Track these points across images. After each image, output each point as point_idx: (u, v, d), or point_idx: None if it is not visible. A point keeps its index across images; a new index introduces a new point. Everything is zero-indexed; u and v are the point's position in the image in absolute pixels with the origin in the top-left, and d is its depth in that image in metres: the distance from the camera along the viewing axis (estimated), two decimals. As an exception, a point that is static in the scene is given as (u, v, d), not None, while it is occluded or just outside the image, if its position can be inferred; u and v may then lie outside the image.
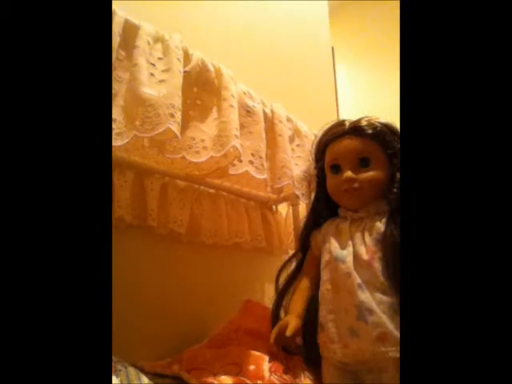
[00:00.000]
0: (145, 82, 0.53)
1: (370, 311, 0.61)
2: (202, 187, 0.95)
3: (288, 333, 0.64)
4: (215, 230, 0.97)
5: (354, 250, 0.66)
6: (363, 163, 0.69)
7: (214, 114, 0.66)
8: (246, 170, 0.72)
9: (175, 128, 0.53)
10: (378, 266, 0.63)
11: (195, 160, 0.63)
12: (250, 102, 0.75)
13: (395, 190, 0.67)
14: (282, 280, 0.78)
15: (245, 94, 0.75)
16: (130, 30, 0.57)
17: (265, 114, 0.80)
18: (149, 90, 0.53)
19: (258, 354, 0.71)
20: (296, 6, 1.62)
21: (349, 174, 0.68)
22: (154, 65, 0.56)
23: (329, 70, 1.79)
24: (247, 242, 1.05)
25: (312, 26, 1.72)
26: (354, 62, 2.68)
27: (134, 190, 0.82)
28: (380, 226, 0.66)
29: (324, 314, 0.66)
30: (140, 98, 0.52)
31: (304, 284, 0.73)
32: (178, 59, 0.57)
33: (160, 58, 0.57)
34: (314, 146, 0.78)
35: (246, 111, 0.73)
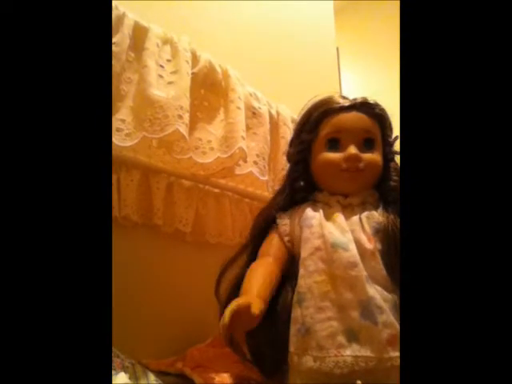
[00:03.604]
0: (154, 83, 0.54)
1: (381, 309, 0.51)
2: (207, 187, 0.96)
3: (254, 310, 0.46)
4: (220, 230, 0.98)
5: (355, 238, 0.56)
6: (368, 144, 0.61)
7: (221, 115, 0.67)
8: (250, 171, 0.73)
9: (183, 129, 0.54)
10: (379, 257, 0.55)
11: (202, 161, 0.64)
12: (255, 104, 0.76)
13: (392, 181, 0.61)
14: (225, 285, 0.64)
15: (251, 95, 0.76)
16: (140, 32, 0.57)
17: (270, 115, 0.81)
18: (158, 91, 0.54)
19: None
20: (301, 6, 1.62)
21: (354, 150, 0.59)
22: (162, 67, 0.57)
23: (334, 70, 1.79)
24: (251, 242, 1.05)
25: (317, 27, 1.71)
26: (360, 63, 2.68)
27: (140, 189, 0.83)
28: (377, 215, 0.58)
29: (311, 313, 0.53)
30: (149, 99, 0.53)
31: (267, 262, 0.58)
32: (187, 61, 0.58)
33: (169, 60, 0.58)
34: (303, 115, 0.66)
35: (252, 113, 0.74)
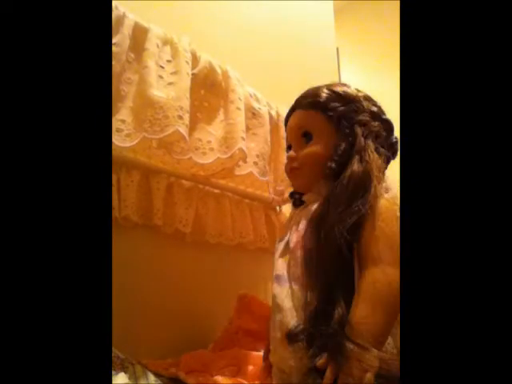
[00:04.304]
0: (154, 84, 0.54)
1: (279, 307, 0.54)
2: (207, 187, 0.96)
3: None
4: (220, 230, 0.98)
5: (288, 239, 0.59)
6: (306, 138, 0.62)
7: (221, 115, 0.67)
8: (250, 171, 0.73)
9: (183, 130, 0.54)
10: (301, 253, 0.54)
11: (202, 161, 0.64)
12: (255, 105, 0.76)
13: (331, 163, 0.57)
14: None
15: (251, 96, 0.76)
16: (140, 33, 0.57)
17: (270, 116, 0.81)
18: (158, 92, 0.54)
19: (256, 354, 0.70)
20: (301, 6, 1.62)
21: (290, 153, 0.63)
22: (162, 67, 0.57)
23: (334, 70, 1.79)
24: (251, 243, 1.05)
25: (317, 27, 1.72)
26: (359, 63, 2.68)
27: (140, 189, 0.83)
28: (311, 209, 0.57)
29: None
30: (149, 99, 0.53)
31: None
32: (187, 62, 0.58)
33: (169, 61, 0.58)
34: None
35: (252, 113, 0.74)
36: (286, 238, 0.58)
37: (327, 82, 0.66)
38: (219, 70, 0.66)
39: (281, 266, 0.57)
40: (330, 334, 0.46)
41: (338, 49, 1.95)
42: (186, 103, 0.56)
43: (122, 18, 0.56)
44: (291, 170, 0.63)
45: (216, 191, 0.99)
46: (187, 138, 0.56)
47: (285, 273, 0.55)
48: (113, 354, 0.49)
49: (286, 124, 0.67)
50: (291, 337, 0.50)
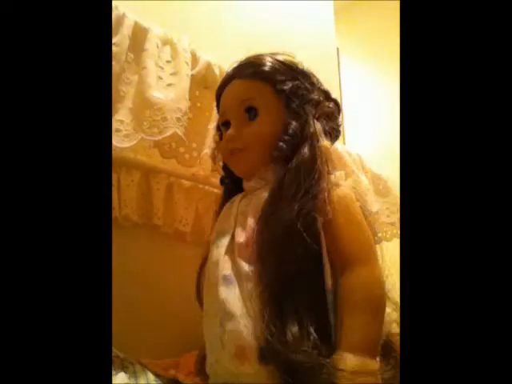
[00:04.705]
0: (153, 85, 0.54)
1: (229, 315, 0.45)
2: (206, 187, 0.96)
3: None
4: (219, 230, 0.98)
5: (233, 232, 0.50)
6: (250, 114, 0.52)
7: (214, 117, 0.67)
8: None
9: (181, 132, 0.54)
10: (254, 250, 0.47)
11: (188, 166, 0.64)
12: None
13: (283, 143, 0.49)
14: None
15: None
16: (139, 33, 0.58)
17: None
18: (157, 93, 0.54)
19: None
20: (301, 6, 1.62)
21: (229, 131, 0.52)
22: (162, 68, 0.57)
23: (334, 70, 1.79)
24: (251, 242, 1.05)
25: (317, 27, 1.72)
26: (360, 63, 2.68)
27: (140, 189, 0.83)
28: (262, 199, 0.49)
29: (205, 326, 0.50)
30: (148, 101, 0.53)
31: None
32: (186, 62, 0.58)
33: (168, 61, 0.58)
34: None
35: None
36: (230, 232, 0.50)
37: (327, 81, 0.64)
38: (218, 71, 0.66)
39: (227, 264, 0.48)
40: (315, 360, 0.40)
41: (338, 49, 1.95)
42: (184, 105, 0.56)
43: (121, 18, 0.57)
44: (232, 152, 0.53)
45: (216, 191, 0.99)
46: (185, 140, 0.56)
47: (232, 273, 0.47)
48: (113, 354, 0.49)
49: (218, 96, 0.55)
50: (264, 356, 0.42)
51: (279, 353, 0.41)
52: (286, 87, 0.52)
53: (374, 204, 0.93)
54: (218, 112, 0.57)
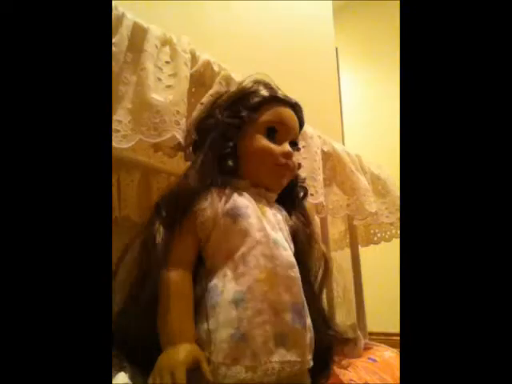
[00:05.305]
0: (152, 86, 0.54)
1: (306, 313, 0.52)
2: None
3: (205, 367, 0.44)
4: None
5: (284, 238, 0.55)
6: (293, 144, 0.61)
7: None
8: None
9: (180, 135, 0.54)
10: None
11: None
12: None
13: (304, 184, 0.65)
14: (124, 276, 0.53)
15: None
16: (139, 34, 0.57)
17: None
18: (156, 95, 0.54)
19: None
20: (300, 6, 1.62)
21: (289, 148, 0.58)
22: (161, 69, 0.57)
23: (333, 70, 1.79)
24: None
25: (316, 27, 1.72)
26: (358, 63, 2.68)
27: (140, 189, 0.83)
28: (288, 216, 0.60)
29: (249, 317, 0.47)
30: (147, 103, 0.53)
31: (185, 283, 0.51)
32: (185, 64, 0.58)
33: (167, 62, 0.58)
34: (245, 87, 0.62)
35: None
36: (281, 235, 0.55)
37: (326, 81, 0.66)
38: (216, 69, 0.66)
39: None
40: None
41: (337, 48, 1.95)
42: (183, 108, 0.56)
43: (120, 18, 0.56)
44: (286, 167, 0.58)
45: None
46: (183, 143, 0.56)
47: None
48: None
49: (267, 100, 0.59)
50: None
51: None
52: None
53: (373, 204, 0.93)
54: (258, 107, 0.59)
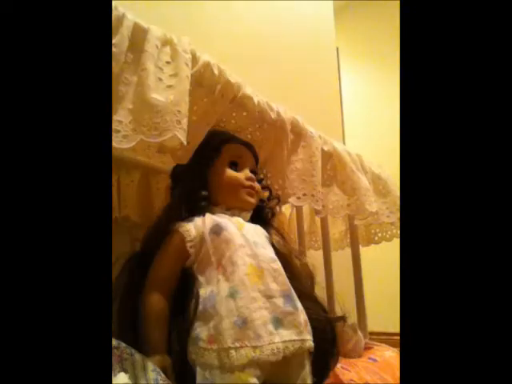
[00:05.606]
0: (153, 86, 0.54)
1: (295, 297, 0.61)
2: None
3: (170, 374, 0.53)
4: (219, 230, 0.98)
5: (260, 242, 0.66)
6: (253, 173, 0.74)
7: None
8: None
9: (181, 135, 0.54)
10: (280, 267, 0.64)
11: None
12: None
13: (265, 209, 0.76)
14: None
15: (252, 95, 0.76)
16: (139, 34, 0.57)
17: (270, 116, 0.81)
18: (157, 95, 0.54)
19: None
20: (301, 5, 1.62)
21: (251, 175, 0.72)
22: (161, 69, 0.57)
23: (333, 70, 1.79)
24: (251, 242, 1.05)
25: (317, 26, 1.72)
26: (359, 63, 2.68)
27: (140, 189, 0.83)
28: (263, 229, 0.70)
29: (246, 304, 0.56)
30: (148, 103, 0.53)
31: (160, 305, 0.60)
32: (186, 64, 0.58)
33: (168, 62, 0.58)
34: (205, 139, 0.72)
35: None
36: (257, 240, 0.65)
37: (327, 81, 0.66)
38: (216, 71, 0.66)
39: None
40: None
41: (337, 49, 1.95)
42: (184, 107, 0.56)
43: (121, 18, 0.56)
44: (252, 187, 0.71)
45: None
46: (185, 142, 0.56)
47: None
48: (112, 345, 0.50)
49: (227, 140, 0.73)
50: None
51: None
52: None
53: (374, 204, 0.93)
54: (219, 147, 0.72)
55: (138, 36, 0.57)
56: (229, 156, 0.72)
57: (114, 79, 0.54)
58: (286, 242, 0.73)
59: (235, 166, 0.72)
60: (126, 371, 0.46)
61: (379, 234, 1.13)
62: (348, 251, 1.13)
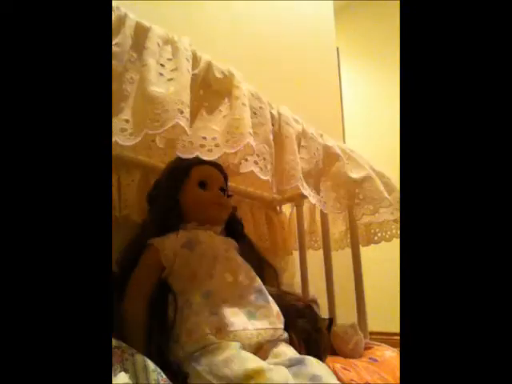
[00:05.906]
0: (154, 81, 0.54)
1: (266, 292, 0.69)
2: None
3: None
4: (220, 230, 0.98)
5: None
6: (223, 190, 0.80)
7: (224, 111, 0.67)
8: (251, 170, 0.73)
9: (184, 123, 0.54)
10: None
11: (208, 158, 0.64)
12: (257, 104, 0.76)
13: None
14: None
15: (252, 94, 0.76)
16: (141, 33, 0.58)
17: (271, 115, 0.81)
18: (157, 88, 0.54)
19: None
20: (301, 6, 1.62)
21: (219, 191, 0.79)
22: (163, 65, 0.57)
23: (334, 70, 1.79)
24: (252, 242, 1.05)
25: (317, 27, 1.72)
26: (359, 63, 2.68)
27: (140, 189, 0.83)
28: (235, 243, 0.78)
29: (218, 303, 0.62)
30: (149, 96, 0.53)
31: (139, 313, 0.65)
32: (187, 59, 0.59)
33: (169, 59, 0.58)
34: (173, 163, 0.81)
35: (253, 112, 0.74)
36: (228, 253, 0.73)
37: (327, 81, 0.66)
38: (220, 69, 0.66)
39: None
40: None
41: (338, 48, 1.95)
42: (186, 98, 0.56)
43: (123, 18, 0.57)
44: (222, 203, 0.78)
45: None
46: (188, 131, 0.56)
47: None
48: (113, 345, 0.50)
49: (192, 165, 0.78)
50: None
51: None
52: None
53: (376, 202, 0.93)
54: (188, 170, 0.78)
55: (141, 34, 0.58)
56: (198, 177, 0.78)
57: (119, 79, 0.54)
58: (254, 251, 0.81)
59: (204, 185, 0.78)
60: (126, 371, 0.46)
61: (379, 234, 1.13)
62: (348, 251, 1.13)
